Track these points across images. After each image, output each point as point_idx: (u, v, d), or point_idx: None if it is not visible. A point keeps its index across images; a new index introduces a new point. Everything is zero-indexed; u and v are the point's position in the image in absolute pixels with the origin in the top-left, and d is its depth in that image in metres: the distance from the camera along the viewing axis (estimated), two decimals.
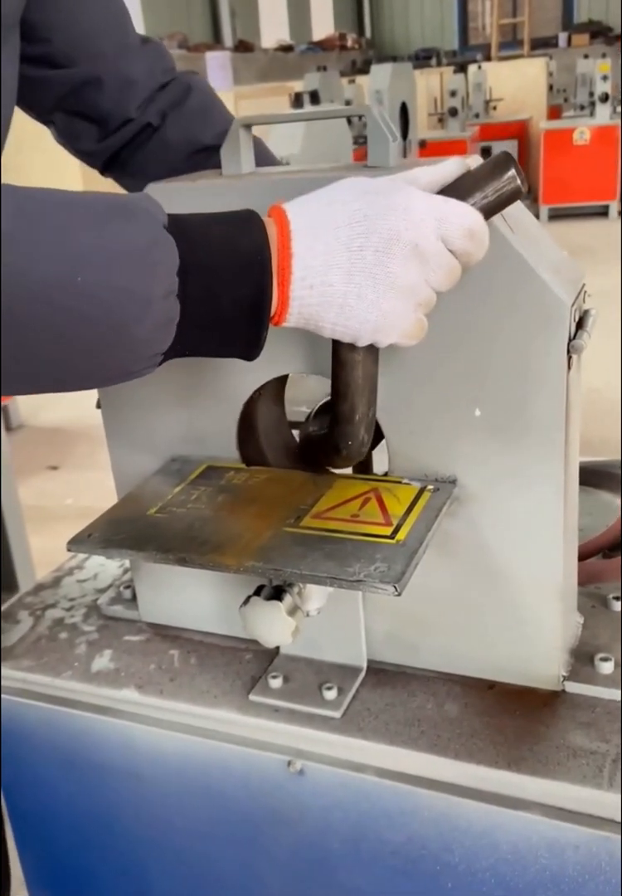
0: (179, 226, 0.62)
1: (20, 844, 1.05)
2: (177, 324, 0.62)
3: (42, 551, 2.51)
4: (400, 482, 0.81)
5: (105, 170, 1.08)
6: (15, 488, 2.41)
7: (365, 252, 0.64)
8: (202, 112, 1.03)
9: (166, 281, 0.60)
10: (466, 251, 0.66)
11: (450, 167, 0.69)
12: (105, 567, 1.13)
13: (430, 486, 0.79)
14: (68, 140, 1.03)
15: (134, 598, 1.00)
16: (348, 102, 6.81)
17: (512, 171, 0.67)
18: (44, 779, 0.98)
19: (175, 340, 0.63)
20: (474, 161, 0.73)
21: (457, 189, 0.68)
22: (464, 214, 0.65)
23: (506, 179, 0.67)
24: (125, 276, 0.58)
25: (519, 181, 0.67)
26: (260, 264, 0.63)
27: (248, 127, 0.80)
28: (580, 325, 0.74)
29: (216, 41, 15.97)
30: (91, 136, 1.01)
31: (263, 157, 0.97)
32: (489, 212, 0.68)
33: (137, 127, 1.01)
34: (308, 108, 5.44)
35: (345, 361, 0.70)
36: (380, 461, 0.87)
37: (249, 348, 0.66)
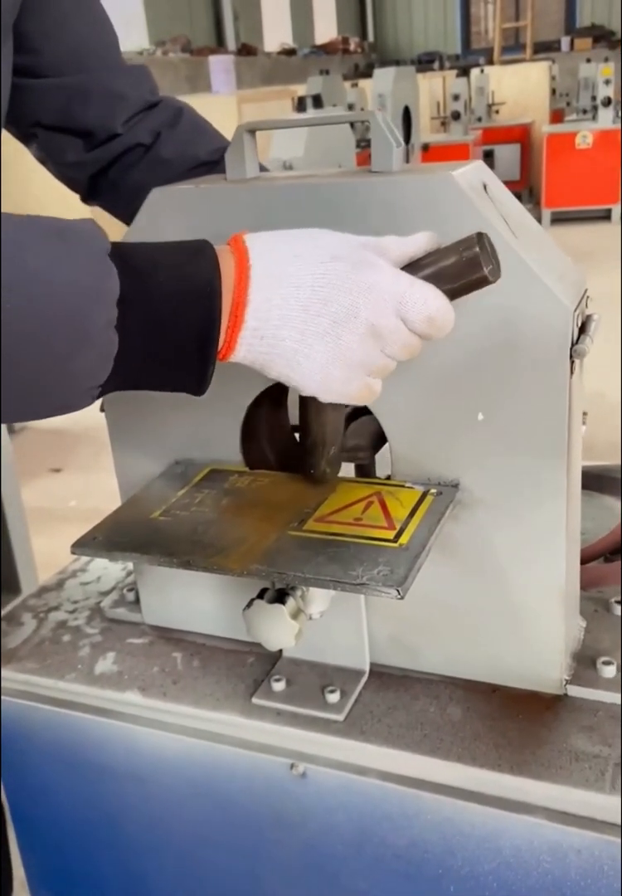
0: (124, 254, 0.60)
1: (22, 846, 1.05)
2: (117, 354, 0.60)
3: (45, 553, 2.51)
4: (403, 486, 0.81)
5: (90, 196, 1.05)
6: (18, 490, 2.41)
7: (321, 319, 0.63)
8: (196, 130, 1.03)
9: (106, 311, 0.58)
10: (426, 334, 0.66)
11: (421, 242, 0.68)
12: (108, 570, 1.13)
13: (433, 490, 0.79)
14: (51, 155, 1.01)
15: (137, 600, 1.01)
16: (351, 106, 6.82)
17: (479, 263, 0.64)
18: (46, 781, 0.98)
19: (115, 372, 0.60)
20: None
21: (424, 268, 0.67)
22: (426, 301, 0.64)
23: (473, 269, 0.65)
24: (61, 305, 0.56)
25: (486, 271, 0.64)
26: (208, 296, 0.61)
27: (251, 132, 0.80)
28: (582, 329, 0.74)
29: (219, 45, 16.00)
30: (75, 150, 0.99)
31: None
32: (455, 295, 0.67)
33: (125, 145, 1.00)
34: (311, 111, 5.45)
35: (307, 403, 0.74)
36: (383, 465, 0.87)
37: (196, 383, 0.64)
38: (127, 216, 0.88)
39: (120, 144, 0.99)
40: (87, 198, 1.06)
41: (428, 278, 0.66)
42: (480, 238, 0.65)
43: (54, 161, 1.02)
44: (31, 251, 0.56)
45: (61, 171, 1.04)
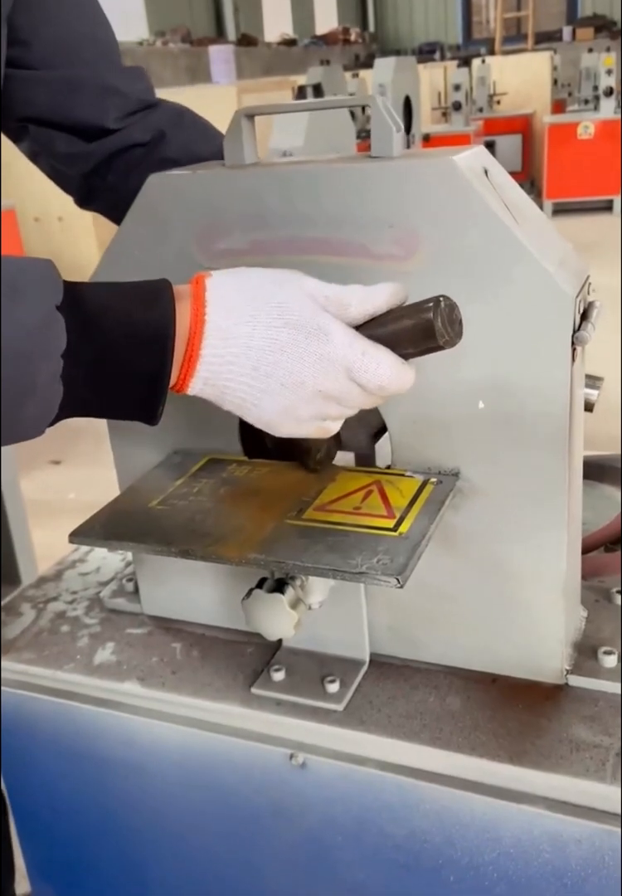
0: (76, 300, 0.60)
1: (22, 836, 1.05)
2: (67, 393, 0.61)
3: (44, 545, 2.51)
4: (403, 475, 0.80)
5: (87, 199, 1.03)
6: (17, 482, 2.41)
7: (270, 380, 0.65)
8: (200, 130, 1.02)
9: (51, 365, 0.59)
10: (381, 396, 0.68)
11: (382, 297, 0.67)
12: (107, 560, 1.12)
13: (433, 479, 0.78)
14: (42, 148, 0.99)
15: (136, 590, 1.00)
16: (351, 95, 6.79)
17: (433, 333, 0.64)
18: (46, 771, 0.98)
19: (65, 408, 0.62)
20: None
21: (381, 329, 0.66)
22: (378, 369, 0.65)
23: (427, 337, 0.64)
24: (6, 360, 0.56)
25: (440, 341, 0.64)
26: (160, 344, 0.62)
27: (250, 117, 0.79)
28: (584, 316, 0.73)
29: (219, 35, 15.94)
30: (66, 142, 0.97)
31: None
32: (412, 357, 0.67)
33: (121, 143, 0.97)
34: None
35: None
36: (383, 454, 0.86)
37: (147, 418, 0.66)
38: None
39: (114, 142, 0.97)
40: (84, 202, 1.04)
41: (383, 340, 0.66)
42: (437, 305, 0.64)
43: (45, 154, 1.00)
44: None
45: (53, 167, 1.01)
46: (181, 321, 0.63)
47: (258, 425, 0.69)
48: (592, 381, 0.82)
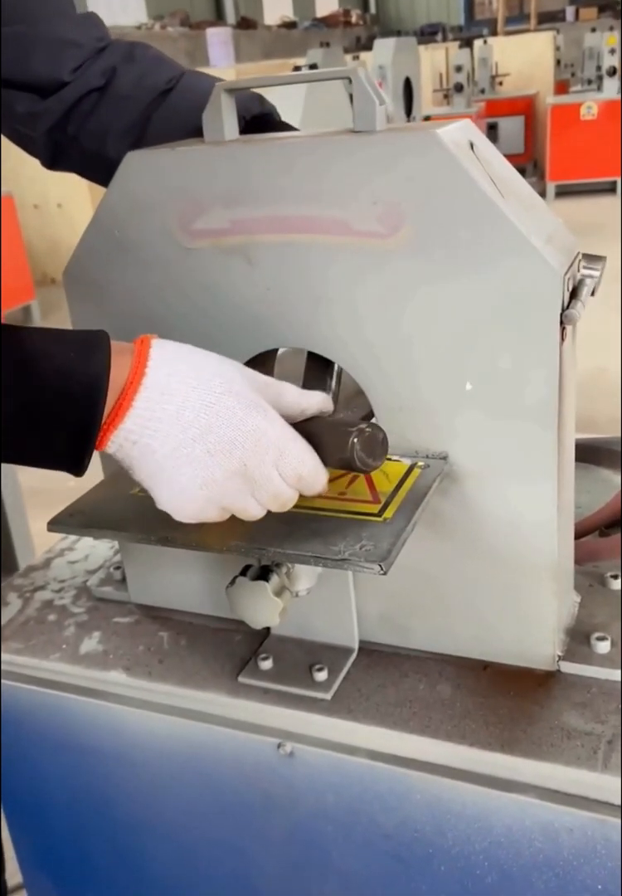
0: (9, 343, 0.59)
1: (12, 827, 1.04)
2: None
3: (43, 534, 2.50)
4: (389, 459, 0.78)
5: (55, 160, 1.01)
6: (15, 471, 2.40)
7: (197, 445, 0.64)
8: (152, 60, 0.98)
9: None
10: (295, 487, 0.68)
11: (314, 401, 0.71)
12: (96, 548, 1.11)
13: (421, 463, 0.77)
14: (2, 113, 0.96)
15: (124, 579, 0.99)
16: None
17: (348, 464, 0.67)
18: (33, 761, 0.97)
19: None
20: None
21: (310, 428, 0.68)
22: (303, 461, 0.67)
23: (347, 464, 0.67)
24: None
25: (358, 472, 0.68)
26: (92, 395, 0.61)
27: (229, 92, 0.77)
28: (574, 294, 0.71)
29: (218, 18, 15.82)
30: (25, 102, 0.94)
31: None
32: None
33: (77, 93, 0.94)
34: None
35: None
36: None
37: (72, 469, 0.64)
38: (98, 172, 0.84)
39: (71, 93, 0.94)
40: (52, 163, 1.01)
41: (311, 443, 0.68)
42: (353, 445, 0.66)
43: (6, 118, 0.97)
44: None
45: (15, 131, 0.99)
46: (119, 374, 0.62)
47: (163, 505, 0.67)
48: (593, 261, 0.78)
